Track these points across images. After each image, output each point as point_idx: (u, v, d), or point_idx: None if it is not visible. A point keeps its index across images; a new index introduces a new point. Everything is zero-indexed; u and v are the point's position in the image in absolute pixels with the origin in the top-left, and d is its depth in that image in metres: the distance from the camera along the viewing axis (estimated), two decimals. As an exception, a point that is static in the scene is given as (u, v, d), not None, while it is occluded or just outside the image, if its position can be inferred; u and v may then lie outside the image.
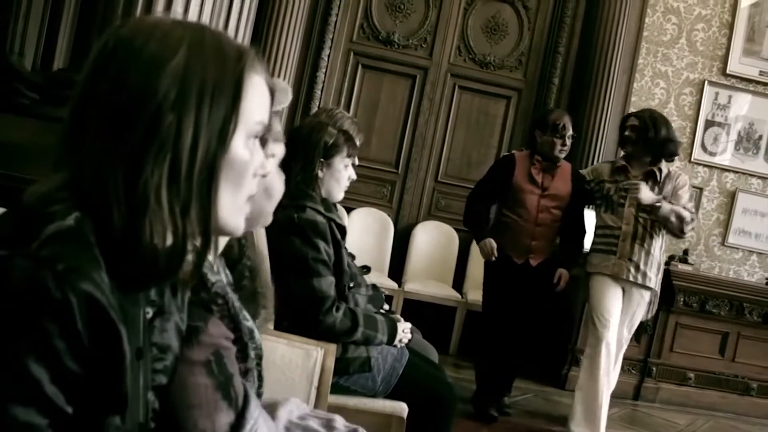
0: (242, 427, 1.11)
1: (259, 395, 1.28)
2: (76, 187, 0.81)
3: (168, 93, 0.82)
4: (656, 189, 3.55)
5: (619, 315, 3.60)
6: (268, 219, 1.42)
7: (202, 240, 0.87)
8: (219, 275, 1.21)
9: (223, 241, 1.28)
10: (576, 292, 4.02)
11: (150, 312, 0.92)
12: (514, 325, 3.73)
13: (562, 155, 3.69)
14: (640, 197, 3.42)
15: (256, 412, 1.15)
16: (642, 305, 3.65)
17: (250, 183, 0.94)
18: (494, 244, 3.67)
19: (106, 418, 0.79)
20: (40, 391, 0.72)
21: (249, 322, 1.23)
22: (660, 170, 3.60)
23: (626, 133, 3.64)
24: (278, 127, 1.30)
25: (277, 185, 1.36)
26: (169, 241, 0.84)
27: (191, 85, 0.84)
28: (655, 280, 3.62)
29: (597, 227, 3.73)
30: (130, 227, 0.80)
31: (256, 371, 1.26)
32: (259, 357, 1.28)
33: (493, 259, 3.68)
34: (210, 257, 1.21)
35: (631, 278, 3.56)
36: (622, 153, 3.76)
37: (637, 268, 3.57)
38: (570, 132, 3.70)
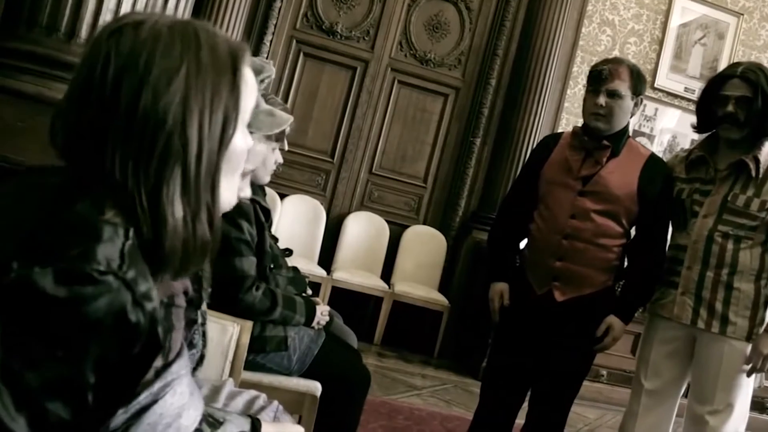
0: (162, 377, 1.13)
1: (203, 356, 1.37)
2: (112, 196, 0.85)
3: (176, 116, 0.86)
4: (751, 189, 2.28)
5: (674, 379, 2.45)
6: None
7: (210, 234, 0.93)
8: None
9: None
10: None
11: None
12: (517, 393, 2.54)
13: (599, 123, 2.36)
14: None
15: (183, 371, 1.15)
16: (732, 362, 2.30)
17: (243, 163, 1.00)
18: (501, 292, 2.53)
19: (116, 410, 0.87)
20: (82, 394, 0.78)
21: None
22: (756, 159, 2.27)
23: (728, 108, 2.26)
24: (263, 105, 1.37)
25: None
26: (184, 242, 0.89)
27: (194, 101, 0.88)
28: (746, 325, 2.29)
29: (668, 249, 2.51)
30: (155, 237, 0.86)
31: (201, 329, 1.34)
32: (204, 317, 1.37)
33: (495, 319, 2.56)
34: None
35: (700, 324, 2.33)
36: (695, 137, 2.39)
37: (711, 310, 2.32)
38: (622, 90, 2.34)
